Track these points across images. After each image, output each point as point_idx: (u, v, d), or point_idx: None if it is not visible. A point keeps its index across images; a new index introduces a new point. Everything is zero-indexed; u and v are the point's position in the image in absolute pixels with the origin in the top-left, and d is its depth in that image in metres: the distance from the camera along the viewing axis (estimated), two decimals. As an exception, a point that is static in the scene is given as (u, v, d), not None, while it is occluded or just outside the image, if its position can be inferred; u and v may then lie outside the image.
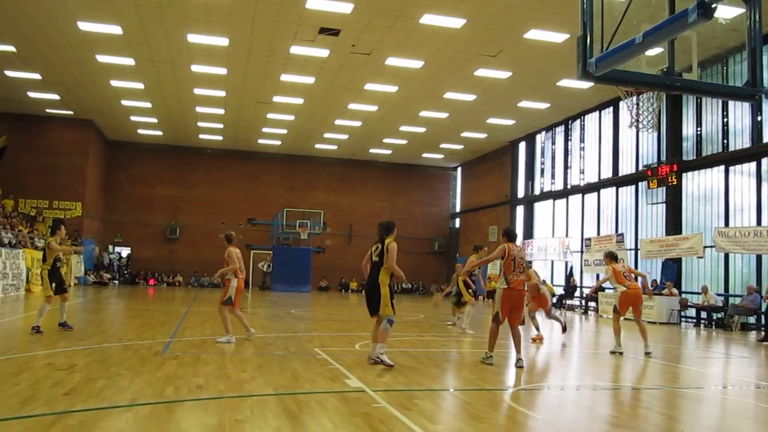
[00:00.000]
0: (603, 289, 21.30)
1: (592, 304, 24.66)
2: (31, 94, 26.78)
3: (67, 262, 33.85)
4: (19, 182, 29.74)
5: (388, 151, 36.54)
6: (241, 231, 37.63)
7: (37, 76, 24.21)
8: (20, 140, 30.26)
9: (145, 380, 6.75)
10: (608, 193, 26.22)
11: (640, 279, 12.51)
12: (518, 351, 8.90)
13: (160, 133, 33.60)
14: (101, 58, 21.69)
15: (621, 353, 10.84)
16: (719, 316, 19.06)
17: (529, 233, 32.22)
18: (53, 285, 11.14)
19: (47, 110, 29.62)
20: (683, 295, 20.74)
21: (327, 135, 32.67)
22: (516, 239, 9.54)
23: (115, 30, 19.07)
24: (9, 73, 23.87)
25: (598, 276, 24.23)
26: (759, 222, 18.47)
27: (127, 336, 10.74)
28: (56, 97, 27.15)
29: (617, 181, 25.29)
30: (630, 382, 8.61)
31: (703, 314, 19.62)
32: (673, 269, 21.26)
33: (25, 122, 30.30)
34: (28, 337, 10.38)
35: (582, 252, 26.31)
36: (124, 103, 27.58)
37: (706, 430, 6.02)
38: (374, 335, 8.64)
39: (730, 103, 19.75)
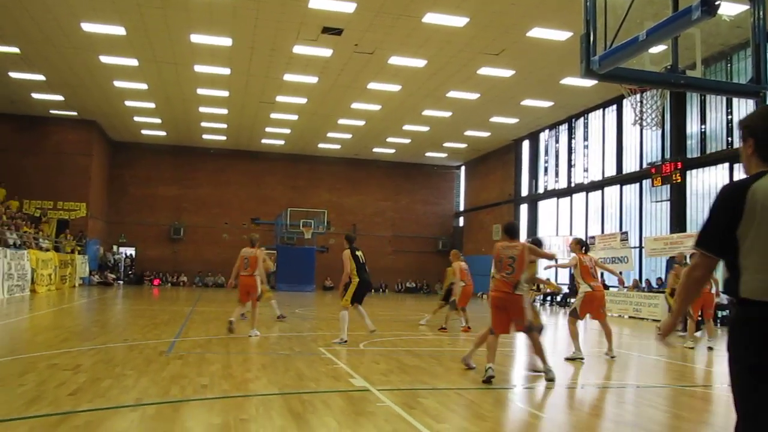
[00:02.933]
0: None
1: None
2: (35, 96, 26.84)
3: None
4: (24, 183, 29.79)
5: (392, 150, 36.53)
6: (244, 231, 37.68)
7: (41, 78, 24.27)
8: (24, 141, 30.35)
9: (150, 380, 6.76)
10: (612, 191, 26.18)
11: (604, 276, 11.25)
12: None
13: (163, 133, 33.65)
14: (105, 59, 21.72)
15: (582, 359, 9.50)
16: (725, 313, 19.01)
17: (533, 231, 32.16)
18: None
19: (51, 111, 29.69)
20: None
21: (330, 134, 32.67)
22: (515, 235, 8.15)
23: (119, 31, 19.10)
24: (13, 75, 23.94)
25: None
26: (763, 219, 18.41)
27: (131, 336, 10.76)
28: (60, 98, 27.21)
29: (621, 179, 25.25)
30: (635, 380, 8.59)
31: (708, 312, 19.55)
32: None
33: (29, 123, 30.37)
34: (33, 337, 10.40)
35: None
36: (128, 103, 27.62)
37: (713, 429, 6.00)
38: (533, 349, 8.05)
39: (734, 100, 19.69)
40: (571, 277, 26.74)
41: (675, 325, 3.16)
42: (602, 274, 15.99)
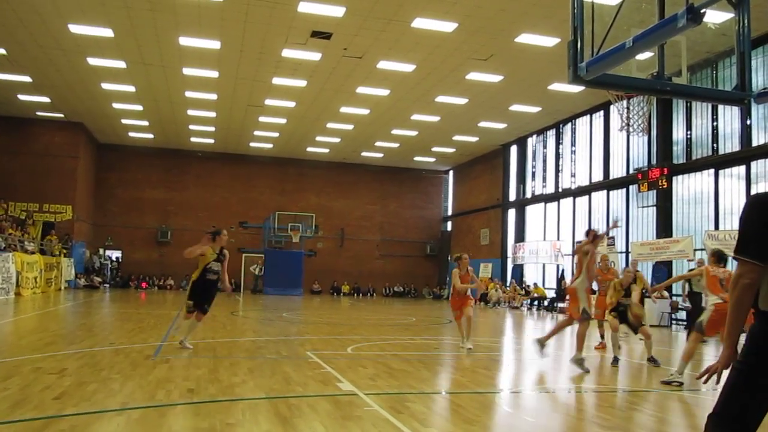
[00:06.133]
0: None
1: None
2: (22, 97, 26.65)
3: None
4: (9, 185, 29.56)
5: (380, 155, 36.56)
6: (232, 234, 37.52)
7: (27, 79, 24.10)
8: (10, 143, 30.12)
9: (136, 384, 6.72)
10: (599, 197, 26.33)
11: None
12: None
13: (151, 136, 33.50)
14: (92, 61, 21.61)
15: (680, 384, 8.15)
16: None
17: (520, 236, 32.31)
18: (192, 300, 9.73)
19: (38, 113, 29.48)
20: (674, 298, 20.83)
21: (319, 138, 32.67)
22: (725, 261, 8.96)
23: (107, 33, 19.01)
24: (-1, 76, 23.78)
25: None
26: (748, 225, 18.56)
27: (118, 339, 10.69)
28: (47, 100, 27.03)
29: (608, 184, 25.41)
30: (621, 384, 8.64)
31: (694, 317, 19.70)
32: (663, 272, 21.35)
33: (15, 125, 30.14)
34: (18, 340, 10.31)
35: (573, 255, 26.40)
36: (115, 106, 27.48)
37: (697, 432, 6.04)
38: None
39: (720, 107, 19.90)
40: (558, 282, 27.03)
41: (734, 353, 2.89)
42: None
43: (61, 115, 29.81)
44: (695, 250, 19.81)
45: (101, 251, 35.77)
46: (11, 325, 13.32)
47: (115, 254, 36.55)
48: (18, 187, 30.01)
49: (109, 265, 35.89)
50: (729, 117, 19.89)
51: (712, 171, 20.37)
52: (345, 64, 21.10)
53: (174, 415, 5.52)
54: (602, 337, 13.00)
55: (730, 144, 19.76)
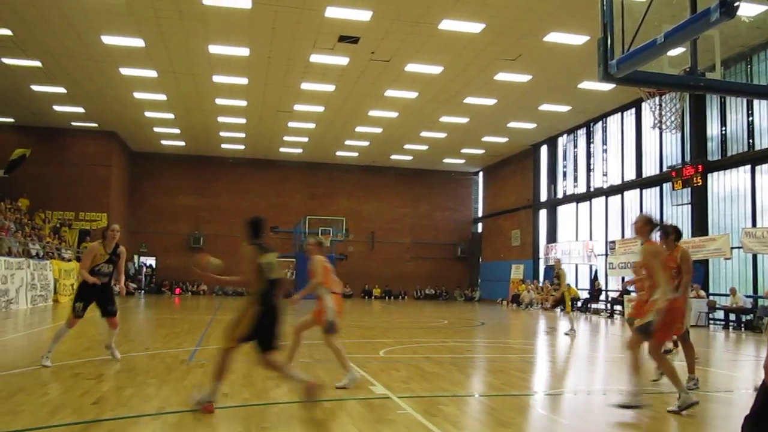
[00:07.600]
0: None
1: (617, 307, 24.35)
2: (57, 108, 27.23)
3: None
4: (45, 194, 30.20)
5: (409, 157, 36.53)
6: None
7: (62, 90, 24.61)
8: (46, 153, 30.74)
9: (172, 389, 6.80)
10: (632, 195, 25.95)
11: None
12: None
13: (182, 143, 33.95)
14: (124, 71, 21.99)
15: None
16: (748, 317, 18.77)
17: (552, 237, 32.00)
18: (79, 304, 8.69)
19: (72, 123, 30.09)
20: (711, 297, 20.44)
21: (348, 142, 32.78)
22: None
23: (138, 43, 19.34)
24: (35, 88, 24.31)
25: (623, 279, 23.85)
26: (787, 222, 18.15)
27: (153, 345, 10.84)
28: (81, 110, 27.57)
29: (641, 182, 25.03)
30: (657, 386, 8.49)
31: (732, 316, 19.33)
32: (700, 271, 20.93)
33: (50, 135, 30.81)
34: (57, 346, 10.50)
35: (606, 255, 26.06)
36: (147, 114, 27.92)
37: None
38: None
39: (755, 102, 19.48)
40: (592, 282, 26.70)
41: None
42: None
43: (95, 125, 30.38)
44: (732, 248, 19.41)
45: (136, 258, 36.30)
46: (50, 332, 13.59)
47: (149, 261, 37.07)
48: (54, 195, 30.65)
49: (144, 272, 36.42)
50: (765, 111, 19.47)
51: (748, 167, 19.95)
52: (373, 67, 21.14)
53: (209, 420, 5.57)
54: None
55: (767, 139, 19.33)
